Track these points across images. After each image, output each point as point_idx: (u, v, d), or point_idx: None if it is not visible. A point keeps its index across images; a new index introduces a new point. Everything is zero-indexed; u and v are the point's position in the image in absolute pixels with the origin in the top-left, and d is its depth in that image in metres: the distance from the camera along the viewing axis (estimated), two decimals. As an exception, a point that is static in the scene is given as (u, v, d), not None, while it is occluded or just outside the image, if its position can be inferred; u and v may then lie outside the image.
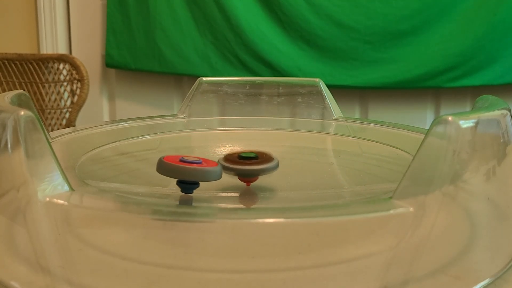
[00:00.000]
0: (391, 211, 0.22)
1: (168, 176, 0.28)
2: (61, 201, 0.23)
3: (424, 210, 0.22)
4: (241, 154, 0.32)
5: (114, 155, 0.43)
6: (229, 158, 0.32)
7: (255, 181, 0.32)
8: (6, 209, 0.25)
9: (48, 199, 0.23)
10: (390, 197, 0.23)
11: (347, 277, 0.21)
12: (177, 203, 0.29)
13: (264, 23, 1.41)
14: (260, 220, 0.21)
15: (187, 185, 0.28)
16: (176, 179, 0.29)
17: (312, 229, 0.22)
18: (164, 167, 0.28)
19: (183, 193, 0.29)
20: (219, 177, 0.29)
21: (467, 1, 1.29)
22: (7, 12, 1.65)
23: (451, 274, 0.22)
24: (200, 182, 0.29)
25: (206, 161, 0.29)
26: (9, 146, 0.24)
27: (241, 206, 0.31)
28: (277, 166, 0.32)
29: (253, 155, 0.32)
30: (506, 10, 1.27)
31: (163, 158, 0.28)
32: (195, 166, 0.28)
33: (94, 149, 0.41)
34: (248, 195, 0.32)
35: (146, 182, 0.36)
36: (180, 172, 0.28)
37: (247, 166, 0.31)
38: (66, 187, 0.24)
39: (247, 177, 0.32)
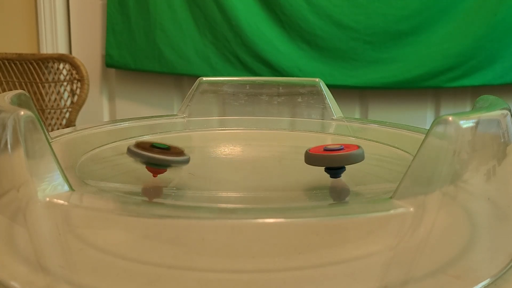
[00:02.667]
0: (391, 211, 0.22)
1: (317, 165, 0.32)
2: (61, 201, 0.23)
3: (424, 210, 0.22)
4: (154, 144, 0.31)
5: (114, 155, 0.43)
6: (140, 145, 0.31)
7: (162, 173, 0.32)
8: (6, 209, 0.25)
9: (48, 199, 0.23)
10: (390, 197, 0.23)
11: (347, 277, 0.21)
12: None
13: (264, 23, 1.41)
14: (260, 220, 0.21)
15: (335, 170, 0.32)
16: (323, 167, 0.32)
17: (312, 229, 0.22)
18: (312, 158, 0.31)
19: (333, 178, 0.32)
20: (363, 158, 0.32)
21: (467, 1, 1.29)
22: (7, 12, 1.65)
23: (451, 274, 0.22)
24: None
25: (347, 146, 0.32)
26: (9, 146, 0.24)
27: (241, 206, 0.31)
28: (187, 161, 0.32)
29: (165, 146, 0.32)
30: (506, 10, 1.27)
31: (309, 150, 0.32)
32: (340, 152, 0.31)
33: (94, 149, 0.41)
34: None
35: (146, 182, 0.36)
36: (328, 159, 0.31)
37: (156, 155, 0.30)
38: (66, 187, 0.24)
39: (155, 167, 0.31)
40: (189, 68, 1.48)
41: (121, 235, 0.23)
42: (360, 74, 1.37)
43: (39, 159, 0.24)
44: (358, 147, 0.32)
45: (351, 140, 0.48)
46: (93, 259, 0.22)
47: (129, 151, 0.30)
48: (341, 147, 0.32)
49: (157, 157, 0.30)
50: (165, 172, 0.32)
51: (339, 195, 0.33)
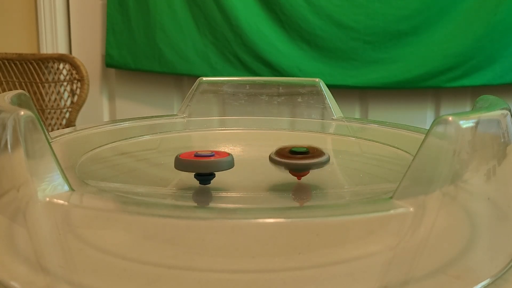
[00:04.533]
0: (391, 211, 0.22)
1: (186, 171, 0.32)
2: (61, 201, 0.23)
3: (424, 210, 0.22)
4: (293, 149, 0.34)
5: (114, 155, 0.43)
6: (280, 152, 0.33)
7: (306, 175, 0.34)
8: (6, 209, 0.25)
9: (48, 199, 0.23)
10: (390, 197, 0.23)
11: (347, 277, 0.21)
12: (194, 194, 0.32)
13: (264, 23, 1.41)
14: (260, 220, 0.21)
15: (204, 176, 0.32)
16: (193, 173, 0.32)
17: (312, 229, 0.22)
18: (181, 163, 0.31)
19: (201, 185, 0.32)
20: (232, 166, 0.32)
21: (467, 1, 1.29)
22: (7, 12, 1.65)
23: (451, 274, 0.22)
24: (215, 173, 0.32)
25: (218, 153, 0.32)
26: (9, 146, 0.24)
27: (241, 206, 0.31)
28: (328, 160, 0.33)
29: (304, 149, 0.33)
30: (506, 10, 1.27)
31: (179, 155, 0.32)
32: (209, 159, 0.31)
33: (94, 149, 0.41)
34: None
35: (146, 182, 0.36)
36: (196, 165, 0.31)
37: (297, 161, 0.33)
38: (66, 187, 0.24)
39: (298, 171, 0.33)
40: (189, 68, 1.48)
41: (121, 235, 0.23)
42: (360, 74, 1.37)
43: (39, 159, 0.24)
44: (229, 154, 0.32)
45: (350, 140, 0.48)
46: (93, 259, 0.22)
47: (272, 160, 0.33)
48: (212, 154, 0.32)
49: (300, 163, 0.33)
50: (166, 174, 0.33)
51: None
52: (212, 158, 0.31)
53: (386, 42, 1.34)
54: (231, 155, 0.32)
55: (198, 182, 0.32)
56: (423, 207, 0.22)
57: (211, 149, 0.33)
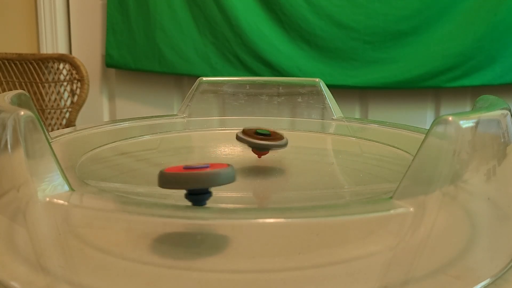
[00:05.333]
0: (391, 211, 0.22)
1: (174, 188, 0.25)
2: (61, 201, 0.23)
3: (424, 210, 0.22)
4: (257, 131, 0.38)
5: (114, 155, 0.43)
6: (246, 132, 0.38)
7: (265, 154, 0.39)
8: (6, 209, 0.25)
9: (48, 199, 0.23)
10: (390, 197, 0.23)
11: (347, 277, 0.21)
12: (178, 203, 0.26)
13: (264, 23, 1.41)
14: (260, 220, 0.21)
15: (197, 196, 0.25)
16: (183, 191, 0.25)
17: (312, 229, 0.22)
18: (167, 179, 0.25)
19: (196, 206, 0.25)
20: (232, 180, 0.26)
21: (467, 1, 1.29)
22: (7, 12, 1.65)
23: (451, 274, 0.22)
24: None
25: (214, 164, 0.26)
26: (9, 146, 0.24)
27: (241, 206, 0.31)
28: (286, 143, 0.38)
29: (267, 132, 0.38)
30: (506, 10, 1.27)
31: (164, 170, 0.25)
32: (202, 170, 0.25)
33: (94, 149, 0.41)
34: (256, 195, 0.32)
35: (146, 182, 0.36)
36: (185, 180, 0.24)
37: (260, 141, 0.37)
38: (66, 187, 0.24)
39: (260, 150, 0.38)
40: (189, 68, 1.48)
41: (121, 235, 0.23)
42: (360, 74, 1.37)
43: (39, 159, 0.24)
44: (228, 165, 0.26)
45: (350, 140, 0.48)
46: (93, 259, 0.22)
47: (238, 138, 0.37)
48: (207, 165, 0.25)
49: (261, 143, 0.37)
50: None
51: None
52: (206, 170, 0.25)
53: (386, 42, 1.34)
54: (232, 166, 0.26)
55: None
56: (423, 207, 0.22)
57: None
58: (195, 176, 0.24)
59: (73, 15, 1.65)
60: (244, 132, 0.38)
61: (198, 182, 0.25)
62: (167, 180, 0.25)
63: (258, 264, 0.21)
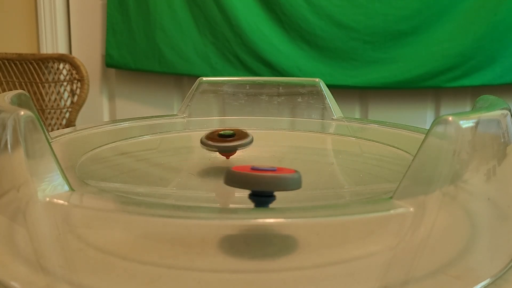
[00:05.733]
0: (391, 211, 0.22)
1: (240, 188, 0.25)
2: (61, 201, 0.23)
3: (424, 210, 0.22)
4: (220, 133, 0.37)
5: (114, 155, 0.43)
6: (210, 136, 0.37)
7: (233, 154, 0.38)
8: (6, 209, 0.25)
9: (48, 199, 0.23)
10: (390, 197, 0.23)
11: (347, 277, 0.21)
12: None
13: (264, 23, 1.41)
14: (260, 220, 0.21)
15: (262, 197, 0.25)
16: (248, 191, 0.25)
17: (312, 229, 0.22)
18: (234, 178, 0.25)
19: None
20: (299, 186, 0.25)
21: (467, 1, 1.29)
22: (7, 12, 1.65)
23: (451, 274, 0.22)
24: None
25: (281, 169, 0.26)
26: (9, 146, 0.24)
27: (241, 206, 0.31)
28: (251, 141, 0.37)
29: (231, 133, 0.37)
30: (506, 10, 1.27)
31: (231, 168, 0.25)
32: (270, 173, 0.24)
33: (94, 149, 0.41)
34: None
35: (146, 182, 0.36)
36: (256, 181, 0.24)
37: (226, 143, 0.36)
38: (66, 187, 0.24)
39: (227, 152, 0.37)
40: (189, 68, 1.48)
41: (121, 235, 0.23)
42: (360, 74, 1.37)
43: (39, 159, 0.24)
44: (295, 171, 0.26)
45: (350, 140, 0.48)
46: (93, 259, 0.22)
47: (202, 143, 0.36)
48: (274, 169, 0.25)
49: (227, 145, 0.36)
50: (166, 174, 0.33)
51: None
52: (274, 173, 0.25)
53: (386, 42, 1.34)
54: (298, 172, 0.26)
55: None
56: (423, 207, 0.22)
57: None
58: (264, 179, 0.24)
59: (73, 15, 1.65)
60: (207, 136, 0.37)
61: (267, 185, 0.24)
62: (235, 179, 0.25)
63: (258, 264, 0.21)
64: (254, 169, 0.25)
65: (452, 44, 1.31)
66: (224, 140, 0.36)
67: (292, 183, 0.25)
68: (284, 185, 0.25)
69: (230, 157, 0.38)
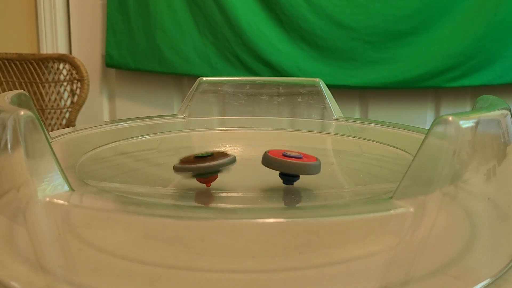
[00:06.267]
0: (391, 211, 0.22)
1: (273, 169, 0.31)
2: (61, 201, 0.23)
3: (424, 210, 0.22)
4: (197, 155, 0.31)
5: (114, 155, 0.43)
6: (185, 160, 0.31)
7: (214, 180, 0.31)
8: (6, 209, 0.25)
9: (48, 199, 0.23)
10: (390, 197, 0.23)
11: (347, 277, 0.21)
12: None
13: (264, 23, 1.41)
14: (260, 220, 0.21)
15: (289, 177, 0.32)
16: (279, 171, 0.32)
17: (312, 229, 0.22)
18: (269, 161, 0.31)
19: (286, 185, 0.32)
20: (318, 171, 0.32)
21: (467, 1, 1.29)
22: (7, 12, 1.65)
23: (451, 274, 0.22)
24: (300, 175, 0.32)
25: (307, 156, 0.33)
26: (9, 146, 0.24)
27: (241, 206, 0.31)
28: (234, 160, 0.31)
29: (209, 153, 0.31)
30: (506, 10, 1.27)
31: (267, 152, 0.32)
32: (296, 160, 0.31)
33: (94, 149, 0.41)
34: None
35: (146, 182, 0.36)
36: (283, 165, 0.31)
37: (204, 164, 0.30)
38: (66, 187, 0.24)
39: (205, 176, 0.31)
40: (189, 68, 1.48)
41: (121, 235, 0.23)
42: (360, 74, 1.37)
43: (39, 159, 0.24)
44: (316, 159, 0.32)
45: (350, 140, 0.48)
46: (93, 259, 0.22)
47: (176, 169, 0.30)
48: (300, 156, 0.32)
49: (206, 166, 0.30)
50: (166, 174, 0.32)
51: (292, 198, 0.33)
52: (299, 160, 0.32)
53: (386, 42, 1.34)
54: (319, 160, 0.32)
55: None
56: (423, 207, 0.22)
57: (282, 149, 0.33)
58: (292, 165, 0.31)
59: (73, 15, 1.65)
60: (182, 161, 0.31)
61: (294, 170, 0.31)
62: (270, 162, 0.31)
63: (258, 264, 0.21)
64: (285, 155, 0.32)
65: (452, 44, 1.31)
66: (201, 161, 0.30)
67: (313, 169, 0.32)
68: (307, 170, 0.32)
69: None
